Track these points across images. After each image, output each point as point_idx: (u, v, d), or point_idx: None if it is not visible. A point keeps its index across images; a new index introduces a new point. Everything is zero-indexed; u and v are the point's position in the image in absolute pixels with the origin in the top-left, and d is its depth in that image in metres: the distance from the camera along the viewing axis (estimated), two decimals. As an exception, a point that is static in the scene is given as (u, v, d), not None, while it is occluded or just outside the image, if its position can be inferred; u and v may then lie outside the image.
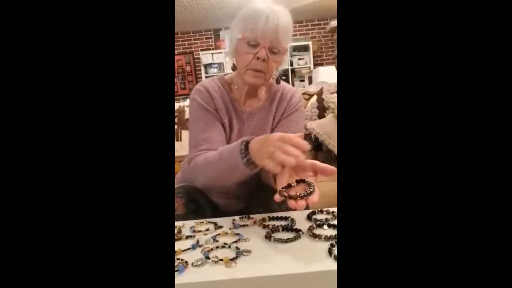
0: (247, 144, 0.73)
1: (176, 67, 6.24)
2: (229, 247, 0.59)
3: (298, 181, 0.63)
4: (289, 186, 0.61)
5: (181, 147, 2.18)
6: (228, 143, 0.95)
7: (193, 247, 0.60)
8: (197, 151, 0.88)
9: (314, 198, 0.58)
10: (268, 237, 0.62)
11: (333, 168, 0.63)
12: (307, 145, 0.63)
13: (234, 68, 0.95)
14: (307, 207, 0.59)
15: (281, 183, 0.64)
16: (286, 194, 0.60)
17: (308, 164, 0.66)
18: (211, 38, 6.34)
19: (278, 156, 0.60)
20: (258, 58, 0.85)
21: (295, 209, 0.58)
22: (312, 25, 6.23)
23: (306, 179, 0.63)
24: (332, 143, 1.82)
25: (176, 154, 2.08)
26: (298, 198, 0.58)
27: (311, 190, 0.59)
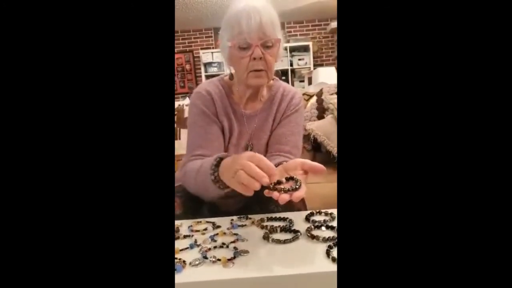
0: (220, 160, 0.72)
1: (175, 65, 6.23)
2: (227, 247, 0.59)
3: (287, 179, 0.65)
4: (279, 182, 0.63)
5: (180, 146, 2.18)
6: (227, 146, 0.95)
7: (191, 247, 0.60)
8: (191, 156, 0.89)
9: (299, 193, 0.59)
10: (266, 237, 0.62)
11: (321, 166, 0.64)
12: (274, 169, 0.59)
13: (231, 77, 0.96)
14: (292, 202, 0.60)
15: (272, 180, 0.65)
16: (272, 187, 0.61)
17: (298, 163, 0.67)
18: (211, 36, 6.33)
19: (241, 177, 0.58)
20: (254, 58, 0.85)
21: (277, 201, 0.58)
22: (312, 25, 6.22)
23: (294, 176, 0.64)
24: (331, 144, 1.81)
25: (175, 153, 2.08)
26: (282, 192, 0.59)
27: (297, 186, 0.61)
